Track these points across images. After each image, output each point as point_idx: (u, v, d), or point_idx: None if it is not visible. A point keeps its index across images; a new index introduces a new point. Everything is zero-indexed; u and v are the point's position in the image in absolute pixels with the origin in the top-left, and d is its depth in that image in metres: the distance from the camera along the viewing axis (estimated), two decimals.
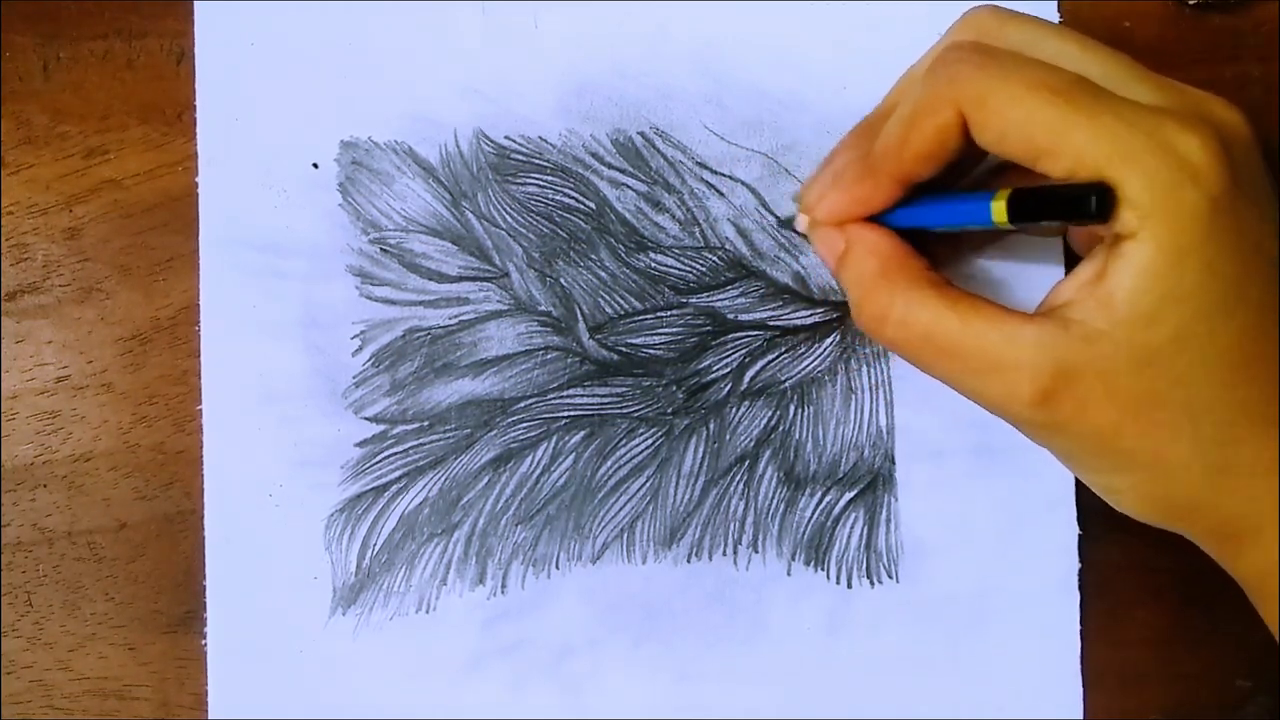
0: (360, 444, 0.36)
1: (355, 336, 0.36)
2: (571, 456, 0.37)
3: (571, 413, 0.37)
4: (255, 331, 0.36)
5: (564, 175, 0.37)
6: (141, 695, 0.36)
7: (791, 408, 0.37)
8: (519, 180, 0.37)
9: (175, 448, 0.36)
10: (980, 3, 0.31)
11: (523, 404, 0.37)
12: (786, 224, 0.37)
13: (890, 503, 0.37)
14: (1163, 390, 0.26)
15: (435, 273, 0.37)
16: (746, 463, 0.37)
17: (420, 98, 0.37)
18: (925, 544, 0.37)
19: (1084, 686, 0.37)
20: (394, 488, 0.36)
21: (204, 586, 0.36)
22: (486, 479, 0.37)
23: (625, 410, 0.37)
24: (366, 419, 0.36)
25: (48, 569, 0.36)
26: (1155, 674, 0.38)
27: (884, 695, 0.37)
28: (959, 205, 0.29)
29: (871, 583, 0.37)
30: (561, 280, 0.37)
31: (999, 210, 0.27)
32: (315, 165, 0.36)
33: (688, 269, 0.37)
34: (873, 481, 0.37)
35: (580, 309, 0.37)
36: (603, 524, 0.37)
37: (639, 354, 0.37)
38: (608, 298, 0.37)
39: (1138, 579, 0.38)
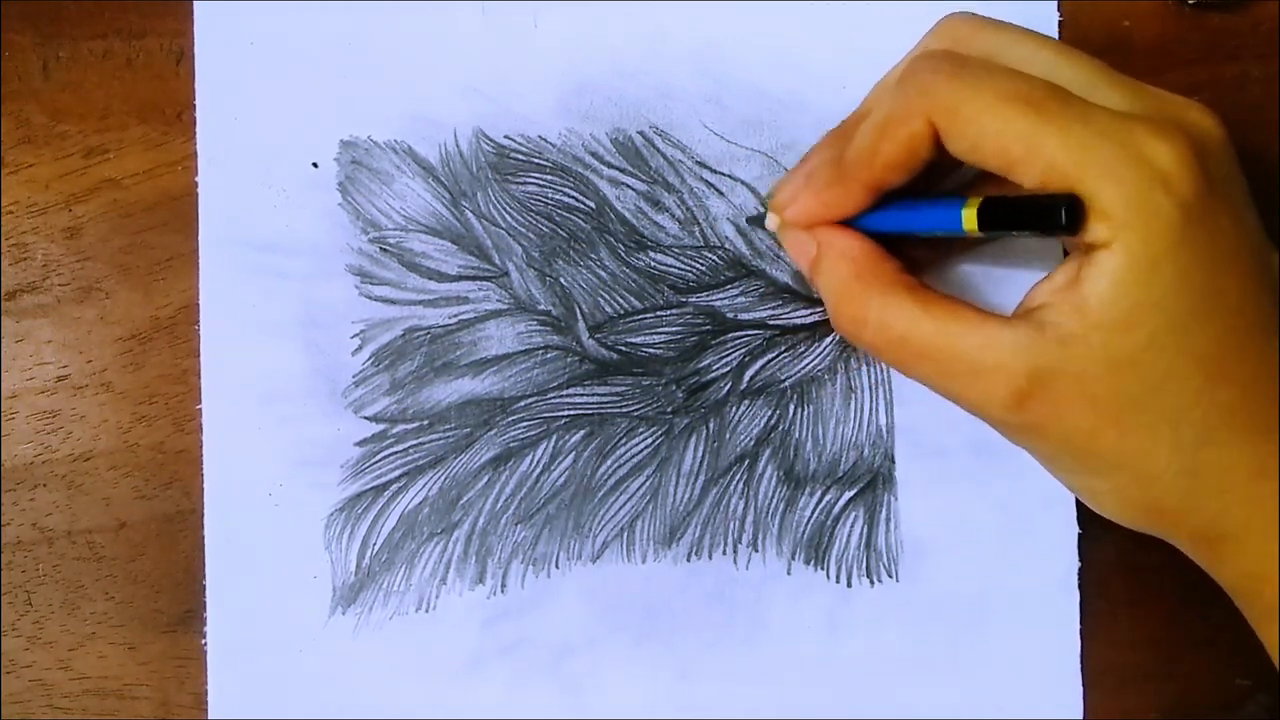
0: (360, 443, 0.36)
1: (355, 336, 0.36)
2: (571, 456, 0.37)
3: (571, 412, 0.37)
4: (255, 331, 0.36)
5: (564, 174, 0.37)
6: (141, 695, 0.36)
7: (791, 407, 0.37)
8: (519, 179, 0.37)
9: (175, 447, 0.36)
10: (956, 7, 0.31)
11: (522, 403, 0.37)
12: (755, 221, 0.37)
13: (890, 502, 0.37)
14: (1139, 394, 0.26)
15: (435, 272, 0.37)
16: (746, 462, 0.37)
17: (420, 97, 0.37)
18: (925, 543, 0.37)
19: (1084, 685, 0.37)
20: (394, 487, 0.36)
21: (204, 586, 0.36)
22: (486, 478, 0.37)
23: (625, 409, 0.37)
24: (366, 418, 0.36)
25: (47, 568, 0.36)
26: (1155, 673, 0.38)
27: (884, 694, 0.37)
28: (930, 212, 0.29)
29: (871, 582, 0.37)
30: (561, 279, 0.37)
31: (969, 218, 0.27)
32: (315, 165, 0.36)
33: (687, 268, 0.37)
34: (872, 480, 0.37)
35: (580, 308, 0.37)
36: (602, 523, 0.37)
37: (639, 353, 0.37)
38: (607, 297, 0.37)
39: (1138, 578, 0.38)
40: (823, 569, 0.37)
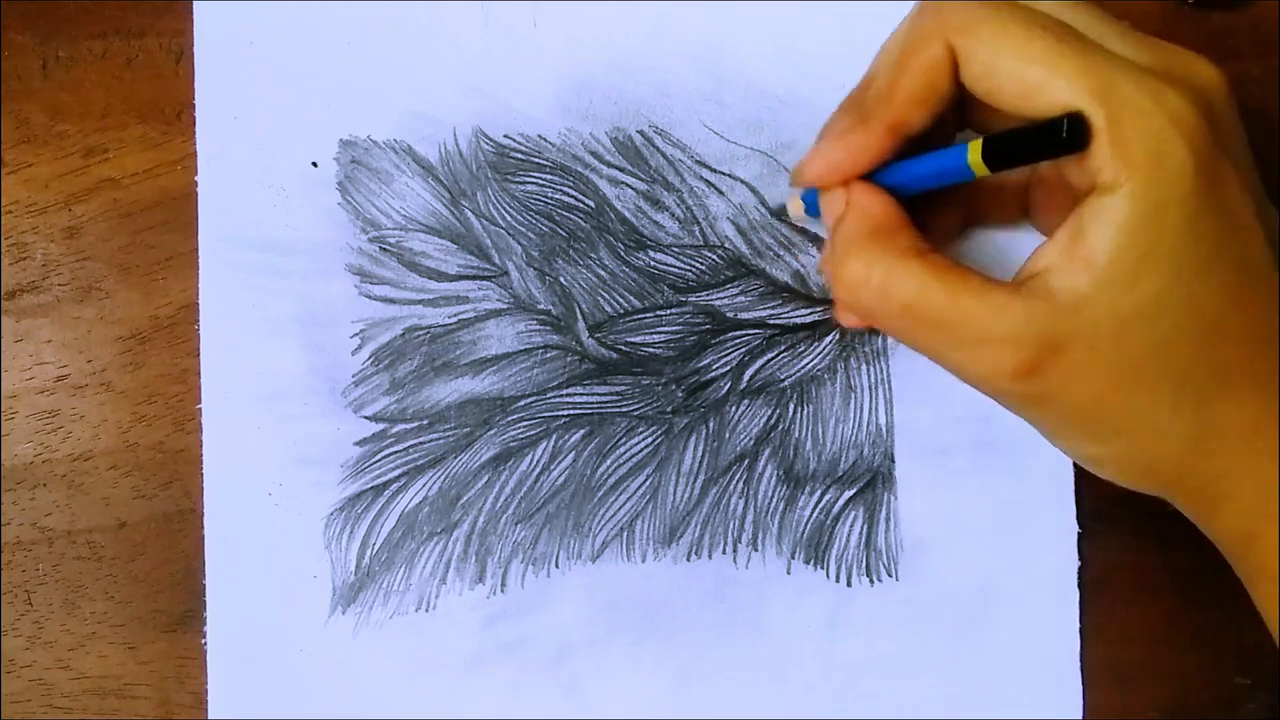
0: (360, 443, 0.36)
1: (355, 335, 0.36)
2: (571, 455, 0.37)
3: (571, 411, 0.37)
4: (254, 330, 0.36)
5: (563, 174, 0.37)
6: (141, 694, 0.36)
7: (791, 406, 0.37)
8: (518, 179, 0.37)
9: (175, 447, 0.36)
10: None
11: (522, 402, 0.37)
12: (780, 214, 0.37)
13: (890, 501, 0.37)
14: (1144, 354, 0.26)
15: (434, 271, 0.37)
16: (746, 461, 0.37)
17: (419, 96, 0.36)
18: (925, 542, 0.37)
19: (1083, 684, 0.37)
20: (393, 486, 0.36)
21: (204, 585, 0.36)
22: (486, 477, 0.37)
23: (625, 409, 0.37)
24: (366, 418, 0.36)
25: (47, 568, 0.36)
26: (1154, 672, 0.38)
27: (883, 693, 0.37)
28: (937, 159, 0.29)
29: (871, 581, 0.37)
30: (561, 279, 0.37)
31: (975, 154, 0.27)
32: (314, 164, 0.36)
33: (687, 267, 0.37)
34: (872, 480, 0.37)
35: (580, 307, 0.37)
36: (602, 522, 0.37)
37: (638, 352, 0.37)
38: (607, 296, 0.37)
39: (1137, 577, 0.38)
40: (822, 568, 0.37)
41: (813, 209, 0.33)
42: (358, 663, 0.36)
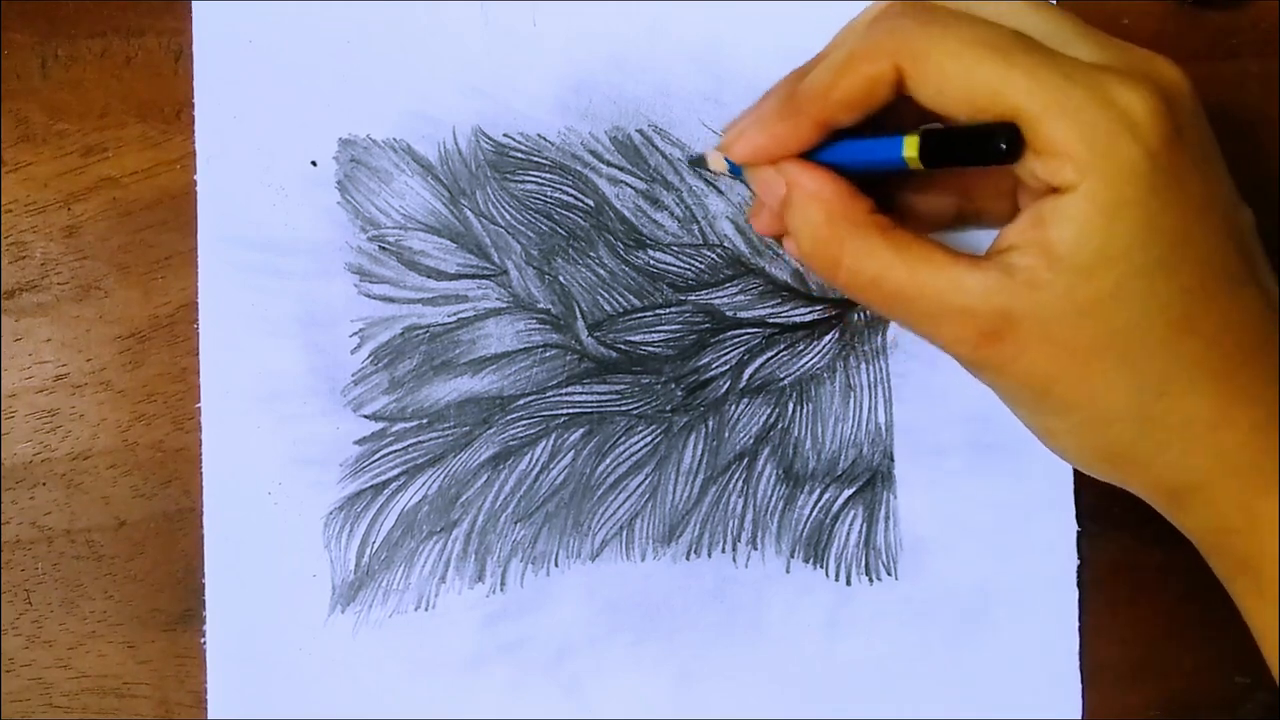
0: (359, 442, 0.36)
1: (354, 334, 0.36)
2: (570, 454, 0.37)
3: (570, 410, 0.37)
4: (254, 329, 0.36)
5: (563, 173, 0.37)
6: (141, 693, 0.36)
7: (790, 405, 0.37)
8: (518, 178, 0.37)
9: (174, 446, 0.36)
10: None
11: (522, 401, 0.37)
12: (697, 163, 0.36)
13: (889, 500, 0.37)
14: (1101, 340, 0.26)
15: (434, 270, 0.37)
16: (745, 460, 0.37)
17: (419, 95, 0.36)
18: (924, 541, 0.37)
19: (1083, 683, 0.37)
20: (393, 485, 0.36)
21: (203, 584, 0.36)
22: (485, 476, 0.37)
23: (624, 408, 0.37)
24: (365, 417, 0.36)
25: (47, 567, 0.36)
26: (1154, 670, 0.38)
27: (883, 691, 0.37)
28: (873, 144, 0.29)
29: (871, 580, 0.37)
30: (560, 278, 0.37)
31: (910, 148, 0.27)
32: (314, 163, 0.36)
33: (686, 266, 0.37)
34: (872, 478, 0.37)
35: (579, 306, 0.37)
36: (602, 521, 0.37)
37: (638, 351, 0.37)
38: (606, 295, 0.37)
39: (1136, 576, 0.38)
40: (822, 567, 0.37)
41: (735, 171, 0.33)
42: (357, 662, 0.36)
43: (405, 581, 0.36)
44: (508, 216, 0.37)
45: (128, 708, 0.36)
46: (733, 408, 0.37)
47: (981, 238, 0.37)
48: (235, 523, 0.36)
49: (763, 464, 0.37)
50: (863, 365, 0.37)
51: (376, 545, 0.36)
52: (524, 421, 0.37)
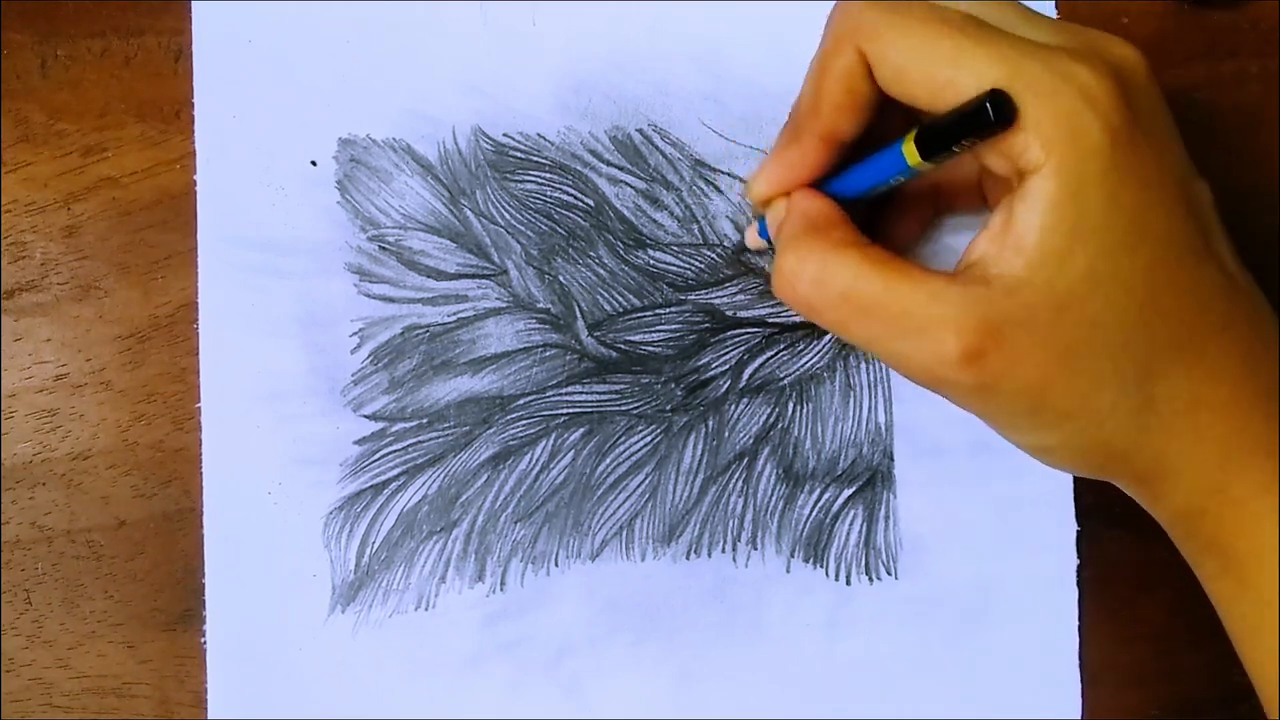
0: (359, 441, 0.36)
1: (354, 334, 0.36)
2: (570, 454, 0.37)
3: (570, 410, 0.37)
4: (254, 329, 0.36)
5: (562, 172, 0.37)
6: (141, 693, 0.36)
7: (790, 404, 0.37)
8: (517, 177, 0.37)
9: (174, 446, 0.36)
10: None
11: (521, 401, 0.37)
12: (742, 252, 0.37)
13: (889, 499, 0.37)
14: (1083, 334, 0.26)
15: (434, 270, 0.37)
16: (745, 460, 0.37)
17: (418, 95, 0.36)
18: (924, 541, 0.37)
19: (1083, 683, 0.37)
20: (393, 485, 0.36)
21: (203, 584, 0.36)
22: (485, 476, 0.37)
23: (624, 407, 0.37)
24: (365, 417, 0.36)
25: (47, 567, 0.36)
26: (1154, 670, 0.38)
27: (883, 692, 0.37)
28: (876, 161, 0.29)
29: (870, 579, 0.37)
30: (560, 277, 0.37)
31: (910, 149, 0.27)
32: (313, 163, 0.36)
33: (686, 266, 0.37)
34: (871, 478, 0.37)
35: (579, 306, 0.37)
36: (602, 521, 0.37)
37: (638, 351, 0.37)
38: (606, 295, 0.37)
39: (1136, 575, 0.38)
40: (822, 567, 0.37)
41: (765, 234, 0.34)
42: (357, 662, 0.36)
43: (405, 581, 0.36)
44: (507, 216, 0.37)
45: (128, 708, 0.36)
46: (732, 407, 0.37)
47: None
48: (235, 523, 0.36)
49: (763, 464, 0.37)
50: (862, 365, 0.37)
51: (376, 545, 0.36)
52: (524, 421, 0.37)
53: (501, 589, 0.37)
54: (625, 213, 0.37)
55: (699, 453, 0.37)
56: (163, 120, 0.36)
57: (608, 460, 0.37)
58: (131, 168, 0.36)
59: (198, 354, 0.36)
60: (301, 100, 0.36)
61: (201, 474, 0.36)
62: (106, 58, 0.36)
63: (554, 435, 0.37)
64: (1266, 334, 0.28)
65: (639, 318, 0.37)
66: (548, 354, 0.37)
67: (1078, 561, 0.37)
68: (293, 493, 0.36)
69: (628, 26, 0.37)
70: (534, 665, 0.37)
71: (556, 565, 0.37)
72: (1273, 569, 0.27)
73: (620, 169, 0.37)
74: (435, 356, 0.37)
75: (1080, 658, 0.37)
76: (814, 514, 0.37)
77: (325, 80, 0.36)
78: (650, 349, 0.37)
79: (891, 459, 0.37)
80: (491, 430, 0.37)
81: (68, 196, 0.36)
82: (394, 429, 0.36)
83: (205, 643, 0.36)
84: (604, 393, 0.37)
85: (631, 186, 0.37)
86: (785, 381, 0.37)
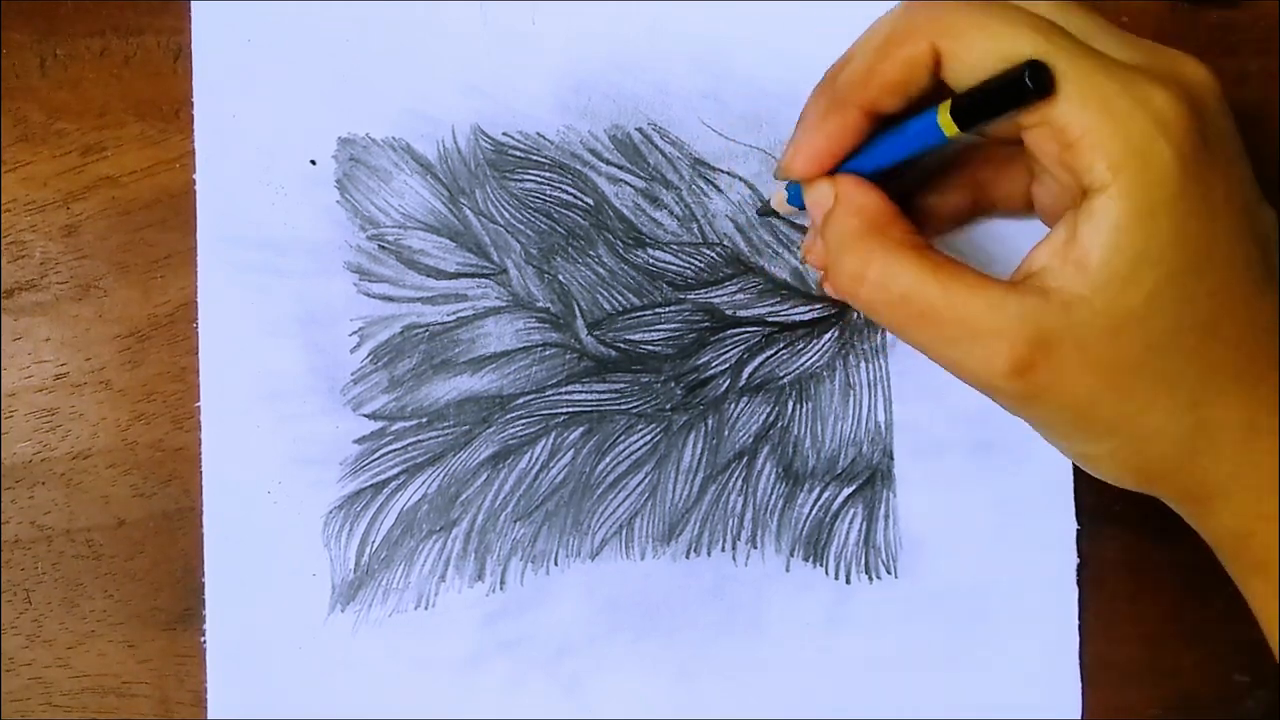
0: (359, 441, 0.36)
1: (353, 333, 0.36)
2: (570, 453, 0.37)
3: (570, 409, 0.37)
4: (253, 328, 0.36)
5: (562, 171, 0.37)
6: (141, 692, 0.36)
7: (790, 403, 0.37)
8: (517, 176, 0.37)
9: (174, 445, 0.36)
10: None
11: (521, 400, 0.37)
12: (766, 211, 0.37)
13: (889, 498, 0.37)
14: (1137, 356, 0.26)
15: (433, 269, 0.37)
16: (745, 458, 0.37)
17: (418, 94, 0.36)
18: (924, 539, 0.37)
19: (1082, 682, 0.37)
20: (392, 484, 0.36)
21: (203, 584, 0.36)
22: (485, 475, 0.37)
23: (624, 406, 0.37)
24: (365, 416, 0.36)
25: (46, 566, 0.36)
26: (1154, 669, 0.38)
27: (883, 690, 0.37)
28: (910, 129, 0.29)
29: (870, 578, 0.37)
30: (560, 276, 0.37)
31: (944, 117, 0.27)
32: (313, 162, 0.36)
33: (686, 265, 0.37)
34: (871, 477, 0.37)
35: (578, 305, 0.37)
36: (601, 520, 0.37)
37: (637, 350, 0.37)
38: (606, 294, 0.37)
39: (1136, 574, 0.38)
40: (821, 565, 0.37)
41: (796, 200, 0.33)
42: (357, 661, 0.36)
43: (405, 580, 0.36)
44: (507, 215, 0.37)
45: (127, 707, 0.36)
46: (732, 406, 0.37)
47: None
48: (235, 522, 0.36)
49: (762, 462, 0.37)
50: (862, 364, 0.37)
51: (376, 544, 0.36)
52: (523, 420, 0.37)
53: (501, 588, 0.37)
54: (625, 212, 0.37)
55: (699, 451, 0.37)
56: (162, 119, 0.36)
57: (607, 459, 0.37)
58: (131, 167, 0.36)
59: (197, 353, 0.36)
60: (301, 99, 0.36)
61: (201, 473, 0.36)
62: (106, 57, 0.36)
63: (554, 434, 0.37)
64: None
65: (638, 317, 0.37)
66: (547, 353, 0.37)
67: (1078, 560, 0.37)
68: (292, 492, 0.36)
69: (627, 26, 0.37)
70: (534, 664, 0.37)
71: (556, 564, 0.37)
72: None
73: (620, 168, 0.37)
74: (435, 355, 0.37)
75: (1080, 657, 0.37)
76: (814, 513, 0.37)
77: (325, 79, 0.36)
78: (650, 348, 0.37)
79: (891, 458, 0.37)
80: (491, 429, 0.37)
81: (67, 196, 0.36)
82: (394, 428, 0.36)
83: (205, 642, 0.36)
84: (603, 392, 0.37)
85: (631, 185, 0.37)
86: (785, 380, 0.37)
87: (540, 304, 0.37)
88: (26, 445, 0.36)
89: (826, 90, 0.30)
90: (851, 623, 0.37)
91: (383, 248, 0.36)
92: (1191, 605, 0.38)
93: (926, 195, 0.34)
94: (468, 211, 0.37)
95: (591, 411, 0.37)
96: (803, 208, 0.32)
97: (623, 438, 0.37)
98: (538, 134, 0.37)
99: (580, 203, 0.37)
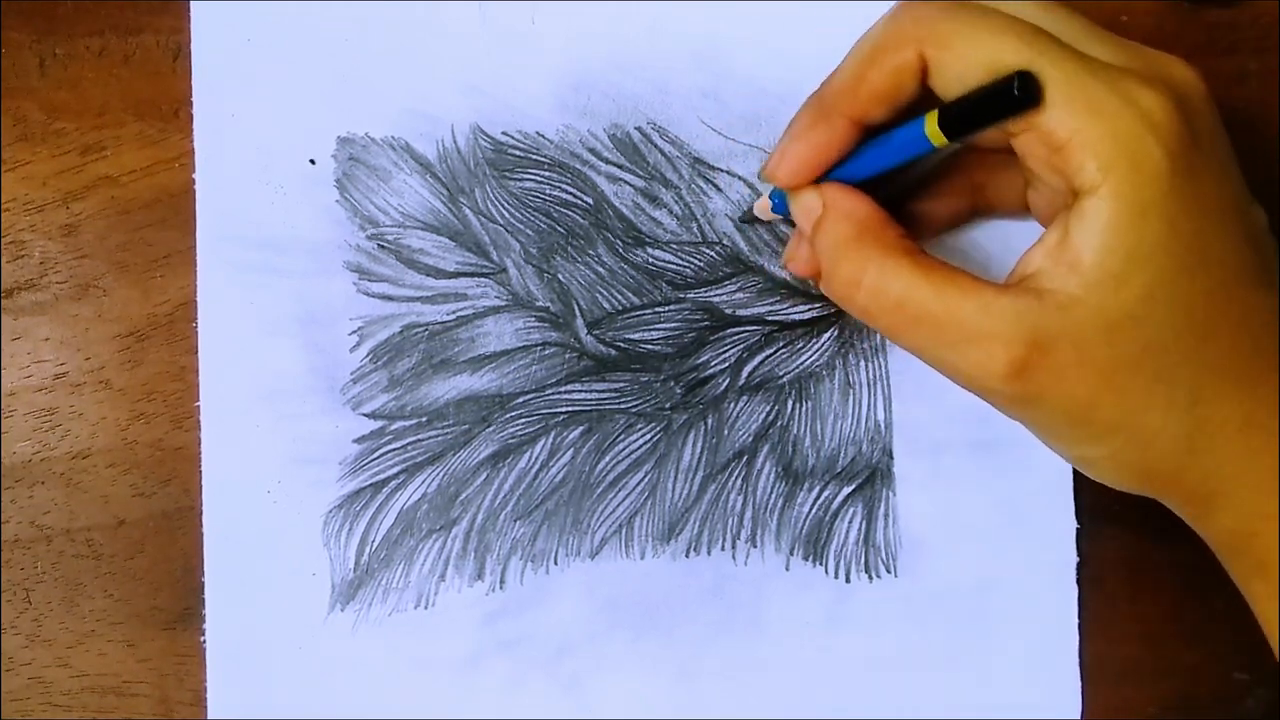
0: (358, 440, 0.36)
1: (353, 333, 0.36)
2: (570, 452, 0.37)
3: (570, 408, 0.37)
4: (253, 328, 0.36)
5: (561, 170, 0.37)
6: (140, 692, 0.36)
7: (789, 402, 0.37)
8: (516, 176, 0.37)
9: (173, 444, 0.36)
10: None
11: (521, 399, 0.37)
12: (747, 219, 0.37)
13: (888, 497, 0.37)
14: (1134, 356, 0.26)
15: (433, 268, 0.37)
16: (745, 458, 0.37)
17: (417, 93, 0.36)
18: (923, 539, 0.37)
19: (1082, 680, 0.37)
20: (392, 484, 0.36)
21: (203, 583, 0.36)
22: (485, 475, 0.37)
23: (623, 405, 0.37)
24: (365, 415, 0.36)
25: (46, 566, 0.36)
26: (1153, 668, 0.38)
27: (882, 689, 0.37)
28: (897, 139, 0.29)
29: (870, 577, 0.37)
30: (559, 276, 0.37)
31: (932, 127, 0.27)
32: (312, 161, 0.36)
33: (685, 264, 0.37)
34: (871, 476, 0.37)
35: (578, 304, 0.37)
36: (601, 519, 0.37)
37: (637, 349, 0.37)
38: (605, 293, 0.37)
39: (1135, 573, 0.38)
40: (821, 565, 0.37)
41: (780, 208, 0.34)
42: (357, 660, 0.36)
43: (405, 580, 0.36)
44: (506, 214, 0.37)
45: (127, 706, 0.36)
46: (732, 405, 0.37)
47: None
48: (235, 521, 0.36)
49: (762, 461, 0.37)
50: (862, 362, 0.37)
51: (376, 543, 0.36)
52: (523, 419, 0.37)
53: (501, 587, 0.37)
54: (624, 211, 0.37)
55: (698, 451, 0.37)
56: (161, 119, 0.36)
57: (607, 458, 0.37)
58: (130, 166, 0.36)
59: (197, 353, 0.36)
60: (300, 99, 0.36)
61: (201, 473, 0.36)
62: (105, 56, 0.36)
63: (553, 433, 0.37)
64: None
65: (638, 316, 0.37)
66: (547, 352, 0.37)
67: (1077, 559, 0.37)
68: (292, 491, 0.36)
69: (627, 25, 0.37)
70: (533, 663, 0.37)
71: (556, 563, 0.37)
72: None
73: (619, 167, 0.37)
74: (434, 355, 0.37)
75: (1080, 655, 0.37)
76: (813, 512, 0.37)
77: (324, 79, 0.36)
78: (649, 347, 0.37)
79: (891, 457, 0.37)
80: (491, 428, 0.37)
81: (66, 195, 0.36)
82: (393, 427, 0.36)
83: (205, 641, 0.36)
84: (603, 391, 0.37)
85: (630, 185, 0.37)
86: (784, 379, 0.37)
87: (540, 303, 0.37)
88: (26, 445, 0.36)
89: (813, 102, 0.30)
90: (851, 622, 0.37)
91: (382, 247, 0.37)
92: (1191, 605, 0.38)
93: (923, 199, 0.34)
94: (467, 211, 0.37)
95: (591, 411, 0.37)
96: (787, 215, 0.33)
97: (622, 437, 0.37)
98: (537, 133, 0.37)
99: (580, 202, 0.37)
